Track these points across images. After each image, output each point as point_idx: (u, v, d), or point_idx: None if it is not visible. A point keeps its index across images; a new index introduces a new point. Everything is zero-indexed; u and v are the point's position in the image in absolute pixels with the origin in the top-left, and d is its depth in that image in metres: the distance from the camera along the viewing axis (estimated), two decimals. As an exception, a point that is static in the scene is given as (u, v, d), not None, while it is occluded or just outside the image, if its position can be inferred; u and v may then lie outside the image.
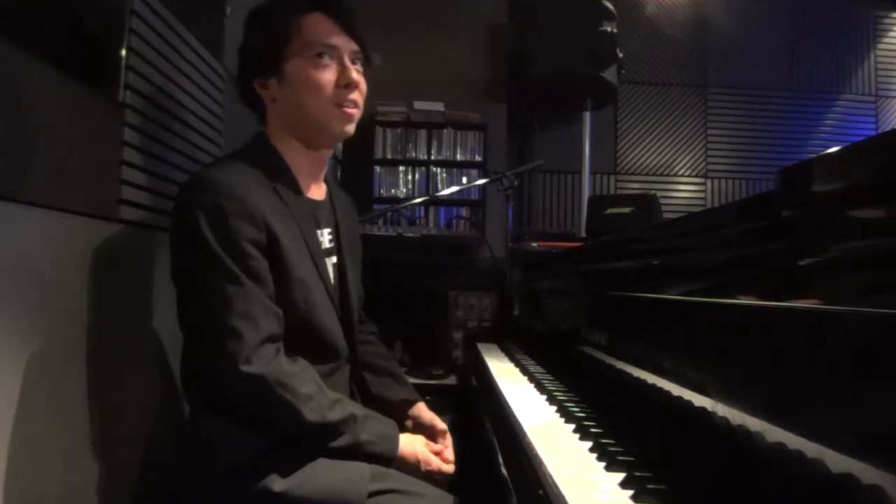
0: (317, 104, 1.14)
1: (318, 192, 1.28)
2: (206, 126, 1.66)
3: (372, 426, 1.13)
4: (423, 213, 3.12)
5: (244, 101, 1.25)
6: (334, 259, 1.27)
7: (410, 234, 2.85)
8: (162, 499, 1.37)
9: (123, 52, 1.23)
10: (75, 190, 1.09)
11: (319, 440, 1.07)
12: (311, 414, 1.04)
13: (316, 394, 1.06)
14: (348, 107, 1.16)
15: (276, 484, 1.01)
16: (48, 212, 1.00)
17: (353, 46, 1.18)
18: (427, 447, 1.23)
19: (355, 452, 1.09)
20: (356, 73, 1.17)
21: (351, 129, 1.20)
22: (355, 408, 1.13)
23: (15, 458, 0.94)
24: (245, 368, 0.99)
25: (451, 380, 2.52)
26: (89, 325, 1.14)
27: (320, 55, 1.13)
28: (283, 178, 1.16)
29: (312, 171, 1.25)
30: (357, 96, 1.18)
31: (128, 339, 1.27)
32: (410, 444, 1.19)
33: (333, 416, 1.07)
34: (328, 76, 1.14)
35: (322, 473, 1.06)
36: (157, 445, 1.38)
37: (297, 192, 1.19)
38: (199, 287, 1.04)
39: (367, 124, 3.05)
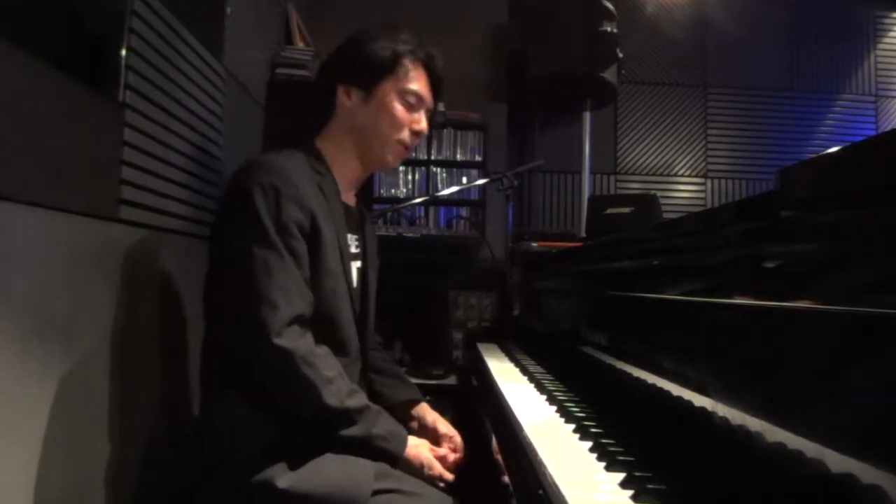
0: (388, 134, 1.29)
1: (350, 199, 1.36)
2: (206, 126, 1.66)
3: (385, 422, 1.16)
4: (423, 213, 3.11)
5: (315, 94, 1.32)
6: (358, 264, 1.34)
7: (410, 234, 2.85)
8: (162, 498, 1.37)
9: (123, 52, 1.23)
10: (75, 190, 1.09)
11: (334, 425, 1.09)
12: (330, 397, 1.06)
13: (336, 379, 1.09)
14: (407, 147, 1.33)
15: (281, 480, 1.02)
16: (48, 212, 1.00)
17: (431, 105, 1.36)
18: (432, 451, 1.25)
19: (365, 445, 1.11)
20: (425, 125, 1.34)
21: (397, 164, 1.38)
22: (370, 402, 1.16)
23: (15, 458, 0.94)
24: (276, 340, 1.03)
25: (451, 380, 2.51)
26: (89, 325, 1.14)
27: (411, 100, 1.29)
28: (326, 179, 1.24)
29: (351, 181, 1.34)
30: (416, 141, 1.36)
31: (128, 339, 1.27)
32: (416, 448, 1.21)
33: (351, 403, 1.10)
34: (408, 117, 1.30)
35: (327, 470, 1.06)
36: (158, 445, 1.38)
37: (337, 194, 1.26)
38: (243, 257, 1.08)
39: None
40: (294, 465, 1.04)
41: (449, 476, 1.23)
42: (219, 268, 1.17)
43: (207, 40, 1.66)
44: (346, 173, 1.31)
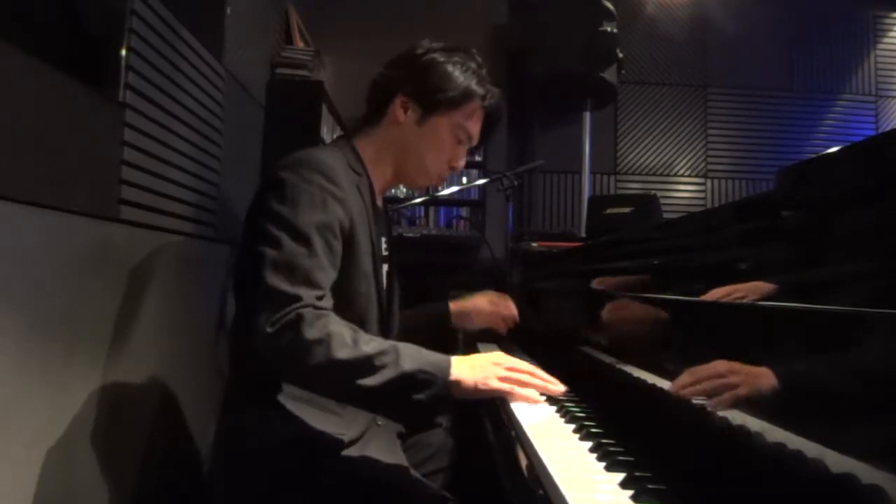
0: (430, 162, 1.27)
1: (379, 202, 1.33)
2: (206, 126, 1.66)
3: (413, 353, 1.02)
4: (423, 213, 3.12)
5: (373, 94, 1.28)
6: (386, 267, 1.30)
7: (410, 234, 2.85)
8: (161, 498, 1.37)
9: (123, 52, 1.23)
10: (75, 190, 1.09)
11: (360, 378, 0.95)
12: (341, 350, 0.95)
13: (342, 333, 0.98)
14: (441, 178, 1.32)
15: (327, 468, 1.02)
16: (48, 212, 1.00)
17: (475, 144, 1.34)
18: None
19: (403, 386, 0.98)
20: (464, 162, 1.33)
21: (426, 188, 1.40)
22: (389, 343, 1.03)
23: (15, 458, 0.94)
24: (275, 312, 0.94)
25: (451, 380, 2.50)
26: (89, 325, 1.14)
27: (461, 137, 1.28)
28: (363, 180, 1.22)
29: (383, 186, 1.32)
30: (450, 174, 1.35)
31: (127, 339, 1.27)
32: (464, 362, 1.06)
33: (368, 349, 0.98)
34: (452, 153, 1.28)
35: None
36: (158, 445, 1.38)
37: (372, 196, 1.24)
38: (272, 245, 1.00)
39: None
40: (337, 456, 1.04)
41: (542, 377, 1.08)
42: (253, 244, 1.07)
43: (207, 40, 1.66)
44: (379, 177, 1.28)
